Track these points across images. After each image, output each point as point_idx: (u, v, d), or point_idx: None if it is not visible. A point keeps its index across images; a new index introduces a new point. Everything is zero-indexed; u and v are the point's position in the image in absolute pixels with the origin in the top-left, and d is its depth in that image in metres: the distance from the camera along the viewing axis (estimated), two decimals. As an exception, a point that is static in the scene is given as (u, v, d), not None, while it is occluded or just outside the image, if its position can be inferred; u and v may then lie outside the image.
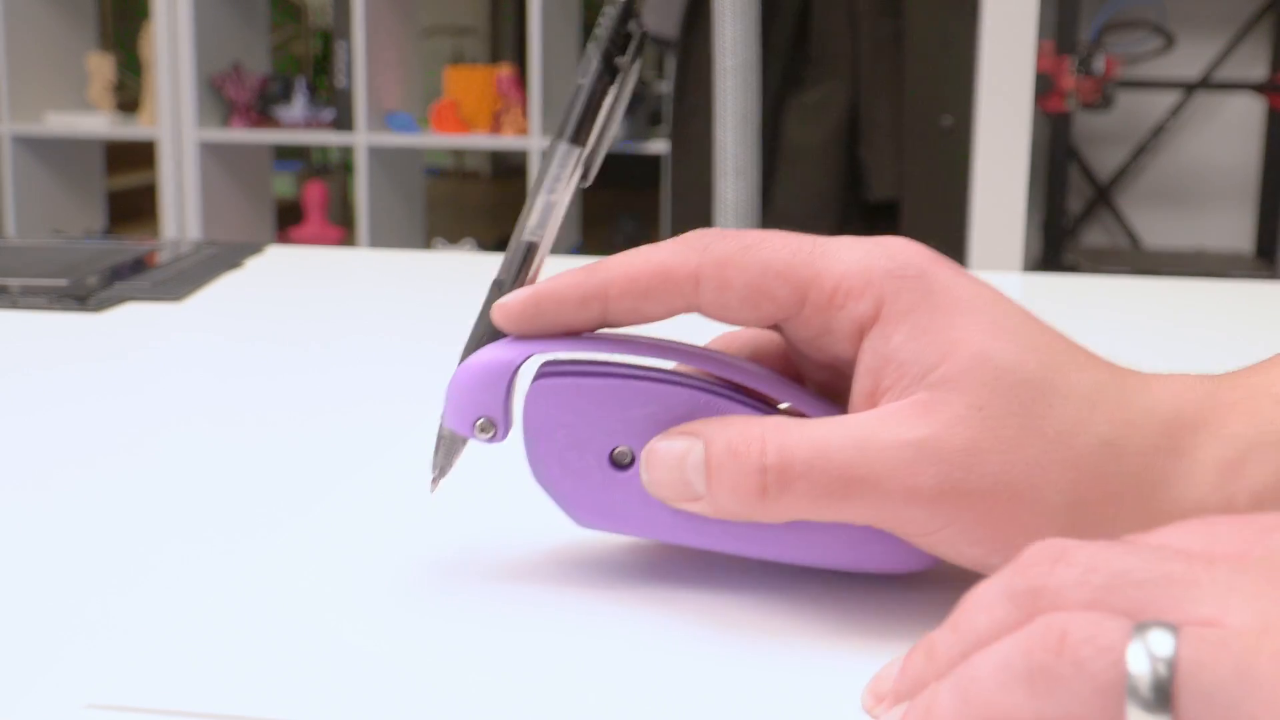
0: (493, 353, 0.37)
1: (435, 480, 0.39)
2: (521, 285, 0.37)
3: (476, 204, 6.20)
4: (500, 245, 3.74)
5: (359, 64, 2.99)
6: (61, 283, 0.81)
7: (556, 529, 0.41)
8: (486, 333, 0.38)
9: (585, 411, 0.36)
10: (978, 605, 0.28)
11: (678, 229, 2.31)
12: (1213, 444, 0.34)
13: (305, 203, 3.59)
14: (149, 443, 0.53)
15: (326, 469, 0.50)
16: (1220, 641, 0.23)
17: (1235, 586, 0.24)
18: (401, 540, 0.41)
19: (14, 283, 0.80)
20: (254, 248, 0.98)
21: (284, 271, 0.95)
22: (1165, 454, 0.34)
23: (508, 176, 6.40)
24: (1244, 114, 2.96)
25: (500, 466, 0.48)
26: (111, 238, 3.30)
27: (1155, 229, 3.02)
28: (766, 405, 0.37)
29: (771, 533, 0.36)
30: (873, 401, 0.35)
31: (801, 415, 0.37)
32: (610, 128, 0.36)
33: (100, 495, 0.47)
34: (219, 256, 0.93)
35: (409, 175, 3.30)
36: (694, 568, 0.39)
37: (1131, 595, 0.25)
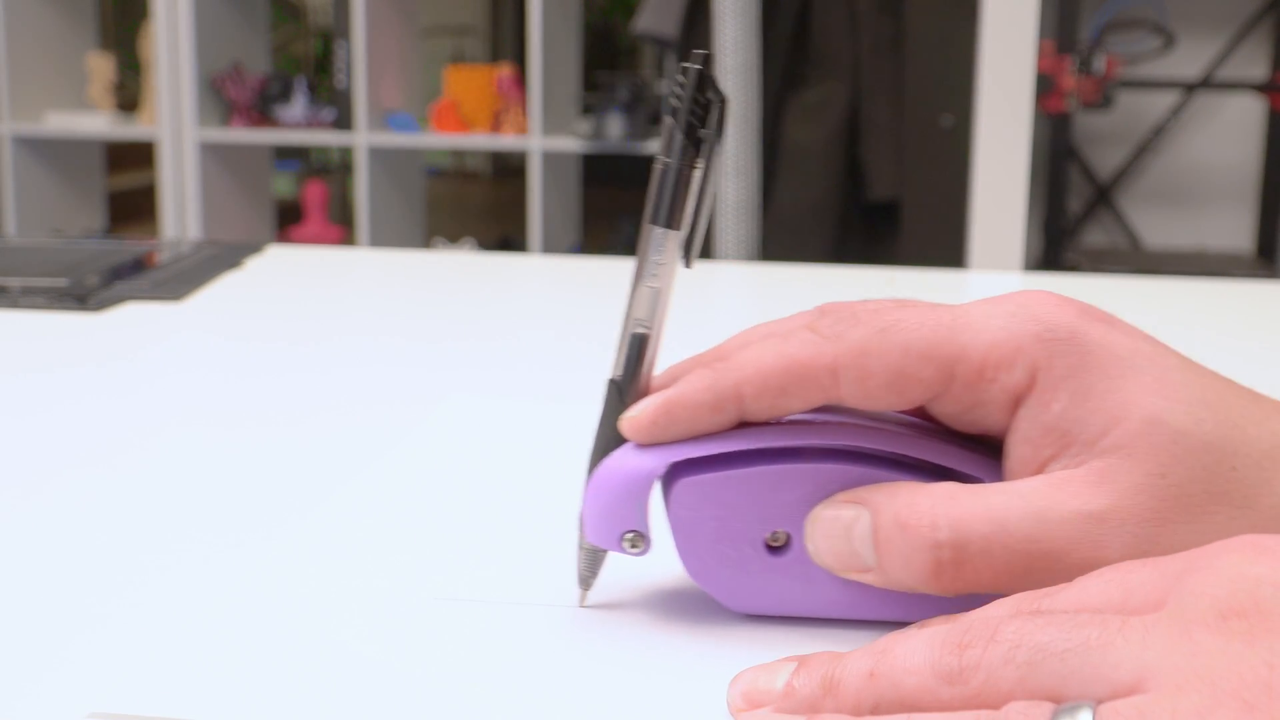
0: (630, 462, 0.35)
1: (584, 594, 0.37)
2: (638, 381, 0.35)
3: (476, 204, 6.20)
4: (500, 245, 3.73)
5: (359, 64, 2.99)
6: (61, 283, 0.81)
7: (560, 530, 0.40)
8: (613, 437, 0.35)
9: (734, 503, 0.35)
10: (905, 666, 0.28)
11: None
12: None
13: (305, 203, 3.59)
14: (149, 443, 0.53)
15: (328, 470, 0.50)
16: (1137, 712, 0.24)
17: (1149, 644, 0.25)
18: (403, 542, 0.41)
19: (14, 283, 0.80)
20: (254, 248, 0.98)
21: (284, 271, 0.95)
22: None
23: (508, 176, 6.40)
24: (1244, 114, 2.96)
25: (502, 469, 0.48)
26: (111, 238, 3.30)
27: (1155, 229, 3.02)
28: (923, 465, 0.35)
29: (939, 597, 0.34)
30: (1035, 470, 0.33)
31: (960, 473, 0.35)
32: (704, 205, 0.34)
33: (100, 497, 0.47)
34: (219, 256, 0.93)
35: (409, 175, 3.30)
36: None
37: (1054, 669, 0.26)
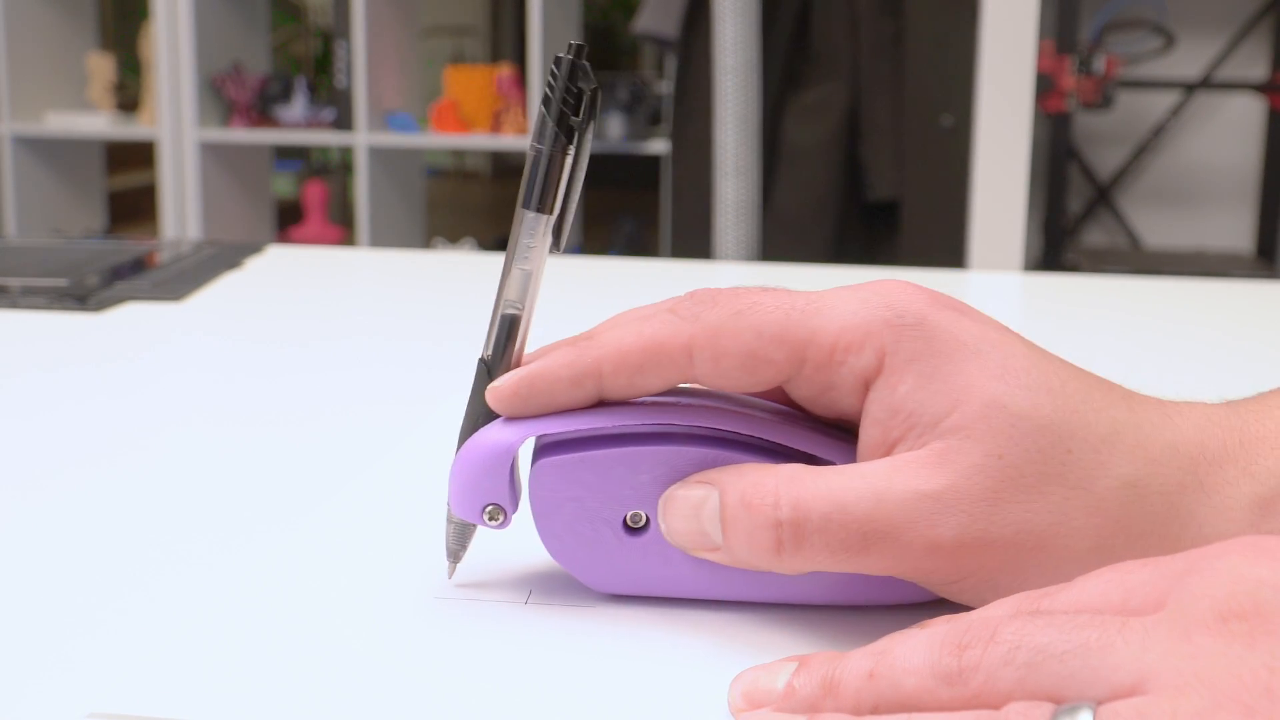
0: (491, 436, 0.36)
1: (451, 567, 0.38)
2: (508, 361, 0.37)
3: (476, 204, 6.20)
4: (500, 245, 3.74)
5: (359, 64, 2.99)
6: (61, 283, 0.81)
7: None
8: (481, 414, 0.37)
9: (593, 484, 0.36)
10: (905, 667, 0.28)
11: (678, 229, 2.32)
12: (1244, 481, 0.34)
13: (305, 203, 3.59)
14: (149, 443, 0.53)
15: (328, 470, 0.50)
16: (1137, 714, 0.24)
17: (1149, 646, 0.25)
18: (403, 542, 0.41)
19: (14, 283, 0.80)
20: (254, 248, 0.98)
21: (284, 271, 0.95)
22: (1192, 492, 0.34)
23: (508, 176, 6.40)
24: (1244, 114, 2.96)
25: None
26: (111, 238, 3.30)
27: (1155, 229, 3.02)
28: (779, 448, 0.36)
29: (794, 578, 0.36)
30: (884, 452, 0.34)
31: (815, 457, 0.36)
32: (574, 190, 0.36)
33: (100, 497, 0.47)
34: (219, 256, 0.93)
35: (409, 175, 3.30)
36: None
37: (1054, 670, 0.26)
